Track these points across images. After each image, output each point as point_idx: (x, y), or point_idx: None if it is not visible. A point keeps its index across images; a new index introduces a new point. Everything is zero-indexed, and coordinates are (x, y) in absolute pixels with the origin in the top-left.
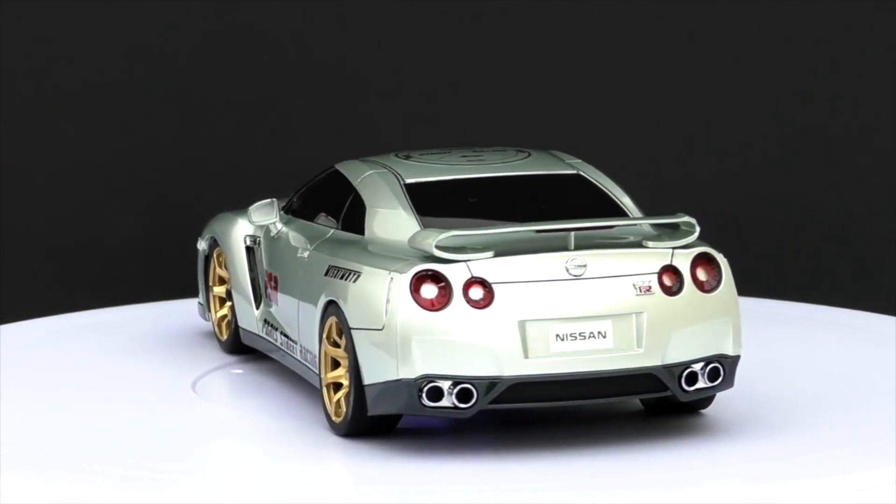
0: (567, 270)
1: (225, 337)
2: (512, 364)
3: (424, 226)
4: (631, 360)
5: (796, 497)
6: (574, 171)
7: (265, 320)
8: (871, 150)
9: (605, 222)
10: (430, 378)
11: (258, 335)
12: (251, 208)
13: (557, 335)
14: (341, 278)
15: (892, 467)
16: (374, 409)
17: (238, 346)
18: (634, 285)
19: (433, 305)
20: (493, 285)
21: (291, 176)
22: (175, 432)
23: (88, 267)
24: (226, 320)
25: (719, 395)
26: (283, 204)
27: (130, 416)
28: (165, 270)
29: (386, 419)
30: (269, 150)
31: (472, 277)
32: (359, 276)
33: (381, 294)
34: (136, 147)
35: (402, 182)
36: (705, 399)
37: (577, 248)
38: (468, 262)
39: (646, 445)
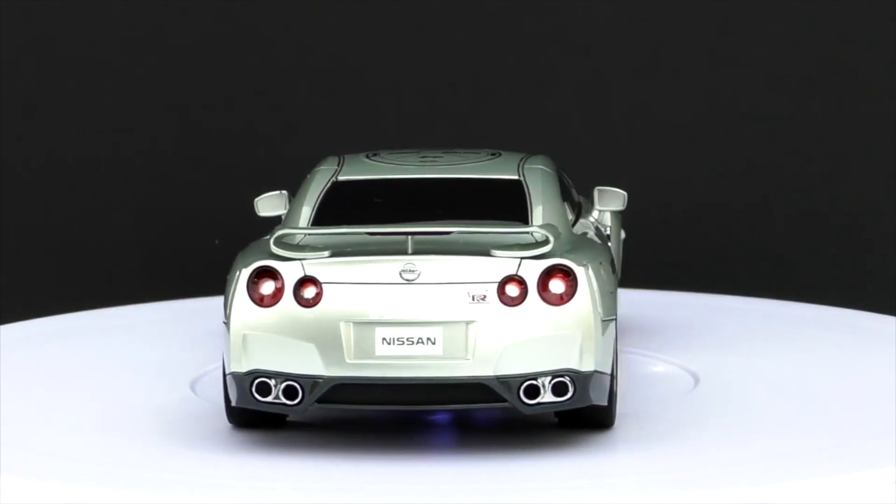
0: (400, 275)
1: None
2: (335, 365)
3: (315, 223)
4: (460, 369)
5: (796, 497)
6: (515, 178)
7: None
8: (872, 150)
9: (442, 228)
10: (259, 373)
11: None
12: (257, 200)
13: (384, 339)
14: (231, 272)
15: (892, 467)
16: (233, 401)
17: None
18: (469, 293)
19: (266, 302)
20: (324, 285)
21: (291, 176)
22: (174, 433)
23: (88, 267)
24: None
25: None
26: None
27: (130, 416)
28: (165, 270)
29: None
30: (269, 149)
31: (305, 276)
32: (231, 269)
33: (231, 288)
34: (137, 147)
35: (333, 178)
36: (603, 415)
37: (417, 252)
38: (303, 261)
39: (645, 444)
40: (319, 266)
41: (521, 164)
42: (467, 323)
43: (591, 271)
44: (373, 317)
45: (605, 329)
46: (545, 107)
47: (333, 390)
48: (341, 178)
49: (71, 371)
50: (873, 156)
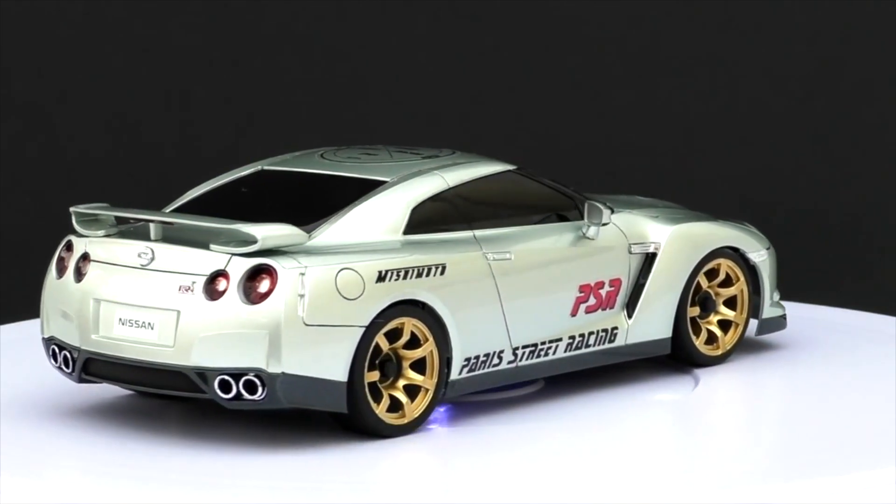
0: (138, 259)
1: None
2: (86, 339)
3: (192, 206)
4: (165, 356)
5: (797, 497)
6: (384, 179)
7: None
8: (872, 150)
9: (173, 219)
10: (53, 340)
11: None
12: None
13: (121, 319)
14: None
15: (892, 467)
16: None
17: None
18: (179, 284)
19: (60, 273)
20: (91, 262)
21: None
22: (174, 432)
23: None
24: None
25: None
26: None
27: (129, 416)
28: None
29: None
30: (268, 149)
31: (84, 253)
32: None
33: None
34: (135, 146)
35: (260, 167)
36: (360, 423)
37: (158, 240)
38: (87, 239)
39: (646, 444)
40: (92, 244)
41: (427, 167)
42: (177, 312)
43: (309, 275)
44: (114, 297)
45: (317, 334)
46: (544, 107)
47: (87, 364)
48: (266, 167)
49: None
50: (874, 156)
